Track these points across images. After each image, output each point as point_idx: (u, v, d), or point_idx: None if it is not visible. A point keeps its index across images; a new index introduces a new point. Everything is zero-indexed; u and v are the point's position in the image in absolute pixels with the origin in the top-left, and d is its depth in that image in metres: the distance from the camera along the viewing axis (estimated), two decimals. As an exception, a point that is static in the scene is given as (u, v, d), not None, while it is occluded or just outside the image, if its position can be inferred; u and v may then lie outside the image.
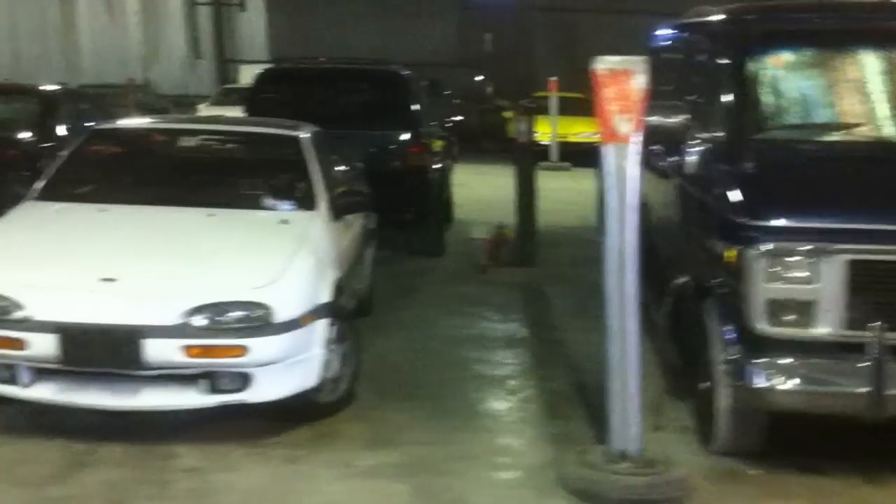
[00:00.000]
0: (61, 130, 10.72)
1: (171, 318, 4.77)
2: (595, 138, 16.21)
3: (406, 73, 10.45)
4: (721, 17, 5.96)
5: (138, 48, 29.46)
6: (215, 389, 4.91)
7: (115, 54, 28.89)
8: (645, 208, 4.87)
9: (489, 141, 22.59)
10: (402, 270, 9.41)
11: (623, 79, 4.48)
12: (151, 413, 5.06)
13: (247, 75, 25.84)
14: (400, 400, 5.85)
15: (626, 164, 4.52)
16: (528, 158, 9.80)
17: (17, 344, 4.79)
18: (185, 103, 25.60)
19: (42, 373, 4.93)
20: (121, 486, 4.57)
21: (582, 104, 23.78)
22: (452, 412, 5.70)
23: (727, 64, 5.51)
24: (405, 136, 9.64)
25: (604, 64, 4.49)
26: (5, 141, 9.98)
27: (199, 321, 4.81)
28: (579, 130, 19.82)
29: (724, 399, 4.78)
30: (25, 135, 10.18)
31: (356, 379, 5.66)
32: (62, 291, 4.90)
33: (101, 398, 4.91)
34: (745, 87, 5.33)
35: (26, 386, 4.92)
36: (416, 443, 5.22)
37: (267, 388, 4.97)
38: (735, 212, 4.76)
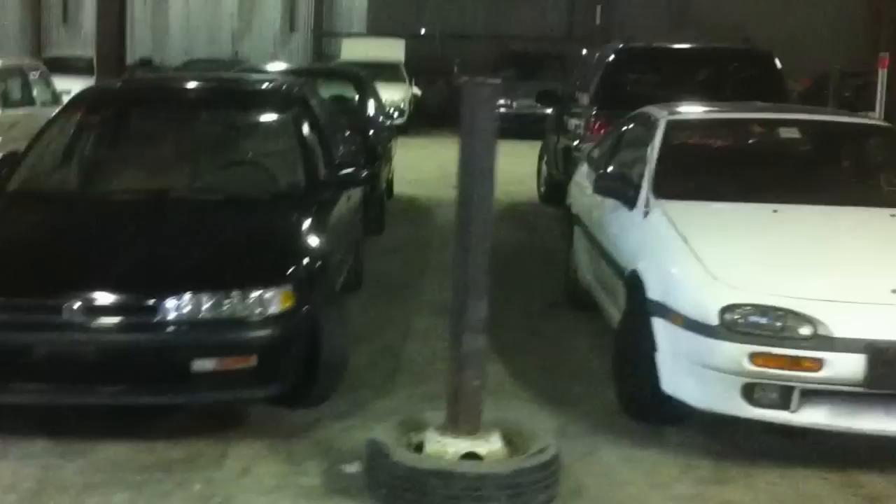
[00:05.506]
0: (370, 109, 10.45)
1: None
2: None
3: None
4: None
5: (230, 21, 28.39)
6: None
7: (205, 28, 27.89)
8: None
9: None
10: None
11: None
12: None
13: (350, 50, 24.94)
14: None
15: None
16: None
17: (810, 364, 4.26)
18: (278, 79, 24.73)
19: (806, 395, 4.39)
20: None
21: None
22: None
23: None
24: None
25: None
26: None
27: None
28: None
29: None
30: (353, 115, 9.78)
31: None
32: (861, 305, 4.39)
33: (882, 423, 4.38)
34: None
35: (794, 411, 4.40)
36: None
37: None
38: None
